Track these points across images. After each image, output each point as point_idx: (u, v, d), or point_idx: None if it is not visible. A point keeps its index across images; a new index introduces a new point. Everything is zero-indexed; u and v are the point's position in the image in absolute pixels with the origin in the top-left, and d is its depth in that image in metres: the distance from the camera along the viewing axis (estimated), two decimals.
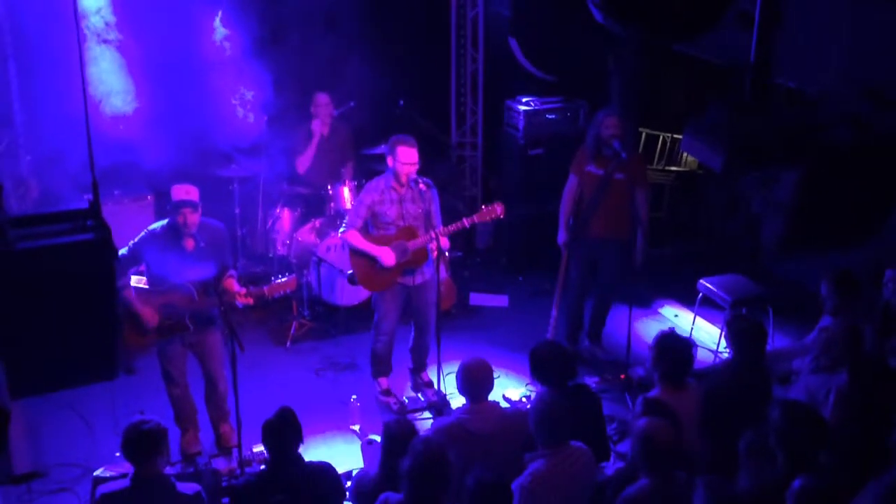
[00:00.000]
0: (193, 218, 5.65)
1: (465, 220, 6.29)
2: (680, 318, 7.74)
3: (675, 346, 4.88)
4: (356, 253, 6.29)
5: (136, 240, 5.69)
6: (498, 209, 6.30)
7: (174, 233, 5.68)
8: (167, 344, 5.80)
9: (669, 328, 5.15)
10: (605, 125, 6.67)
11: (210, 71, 7.35)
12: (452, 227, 6.21)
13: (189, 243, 5.68)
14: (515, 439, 4.69)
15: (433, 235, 6.15)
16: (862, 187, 7.20)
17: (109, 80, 6.86)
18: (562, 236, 6.90)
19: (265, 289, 5.85)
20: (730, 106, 6.20)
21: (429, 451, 4.04)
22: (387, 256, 6.19)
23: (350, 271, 6.46)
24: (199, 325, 5.75)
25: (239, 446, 5.48)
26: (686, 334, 7.13)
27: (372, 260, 6.23)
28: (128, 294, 5.58)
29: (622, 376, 6.75)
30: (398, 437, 4.48)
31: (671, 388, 4.84)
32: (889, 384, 4.66)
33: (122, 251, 5.61)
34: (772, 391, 5.10)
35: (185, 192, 5.64)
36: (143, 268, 5.73)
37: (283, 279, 5.94)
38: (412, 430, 4.57)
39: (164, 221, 5.78)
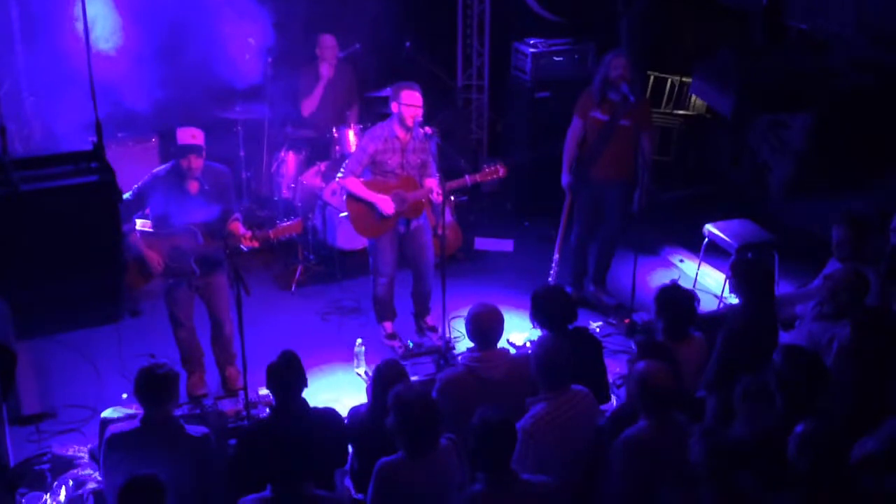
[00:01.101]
0: (198, 162, 5.64)
1: (466, 177, 6.29)
2: (685, 264, 7.72)
3: (677, 299, 4.88)
4: (353, 199, 6.28)
5: (140, 184, 5.68)
6: (500, 170, 6.28)
7: (178, 176, 5.66)
8: (174, 287, 5.81)
9: (672, 280, 5.13)
10: (614, 66, 6.59)
11: (213, 11, 7.23)
12: (454, 184, 6.21)
13: (193, 186, 5.67)
14: (524, 384, 4.71)
15: (431, 187, 6.13)
16: (871, 133, 7.13)
17: (107, 20, 6.77)
18: (566, 178, 6.87)
19: (270, 232, 5.85)
20: (741, 49, 6.11)
21: (410, 406, 4.04)
22: (386, 205, 6.18)
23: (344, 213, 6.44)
24: (205, 269, 5.76)
25: (245, 389, 5.52)
26: (691, 281, 7.18)
27: (369, 207, 6.22)
28: (133, 238, 5.59)
29: (626, 321, 6.77)
30: (386, 377, 4.51)
31: (674, 341, 4.85)
32: (892, 333, 4.66)
33: (126, 195, 5.60)
34: (777, 337, 5.10)
35: (190, 135, 5.61)
36: (147, 211, 5.73)
37: (288, 222, 5.93)
38: (401, 372, 4.60)
39: (169, 164, 5.76)
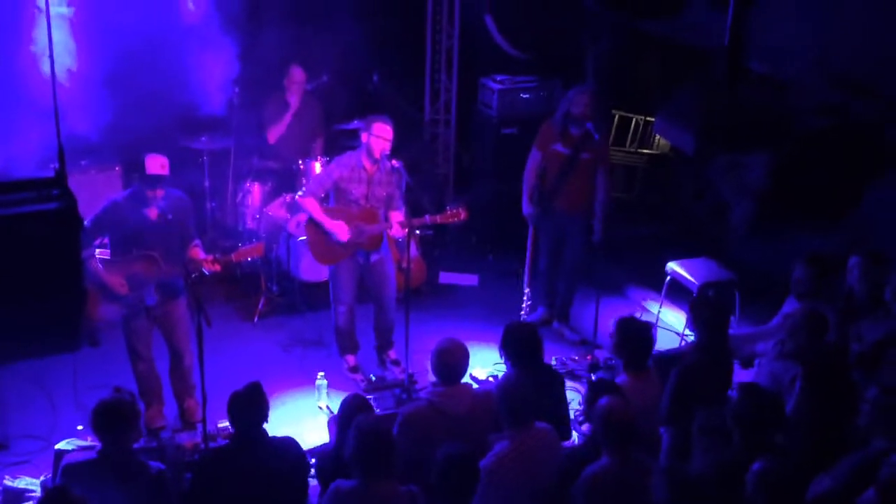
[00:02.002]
0: (162, 192, 5.60)
1: (427, 217, 6.33)
2: (650, 304, 7.77)
3: (636, 331, 4.91)
4: (312, 224, 6.27)
5: (99, 210, 5.62)
6: (462, 213, 6.30)
7: (138, 202, 5.61)
8: (132, 317, 5.73)
9: (629, 314, 5.16)
10: (576, 102, 6.70)
11: (180, 42, 7.23)
12: (415, 222, 6.23)
13: (153, 212, 5.62)
14: (486, 420, 4.70)
15: (392, 222, 6.17)
16: (831, 174, 7.26)
17: (69, 46, 6.74)
18: (526, 208, 6.93)
19: (232, 255, 5.82)
20: (703, 89, 6.21)
21: (366, 434, 4.03)
22: (341, 231, 6.18)
23: (303, 237, 6.44)
24: (164, 297, 5.70)
25: (203, 421, 5.44)
26: (653, 318, 7.23)
27: (326, 232, 6.21)
28: (94, 264, 5.51)
29: (588, 357, 6.79)
30: (351, 412, 4.48)
31: (634, 373, 4.87)
32: (848, 371, 4.73)
33: (85, 222, 5.55)
34: (733, 374, 5.14)
35: (160, 165, 5.57)
36: (106, 240, 5.66)
37: (249, 246, 5.92)
38: (366, 406, 4.57)
39: (128, 190, 5.72)
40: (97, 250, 5.65)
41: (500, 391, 4.49)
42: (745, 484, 3.73)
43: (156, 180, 5.54)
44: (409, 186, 6.53)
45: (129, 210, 5.59)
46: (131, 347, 5.85)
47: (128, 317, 5.72)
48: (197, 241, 5.83)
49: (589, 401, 4.53)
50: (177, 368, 5.99)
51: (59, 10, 6.70)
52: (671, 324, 7.35)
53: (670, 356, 5.63)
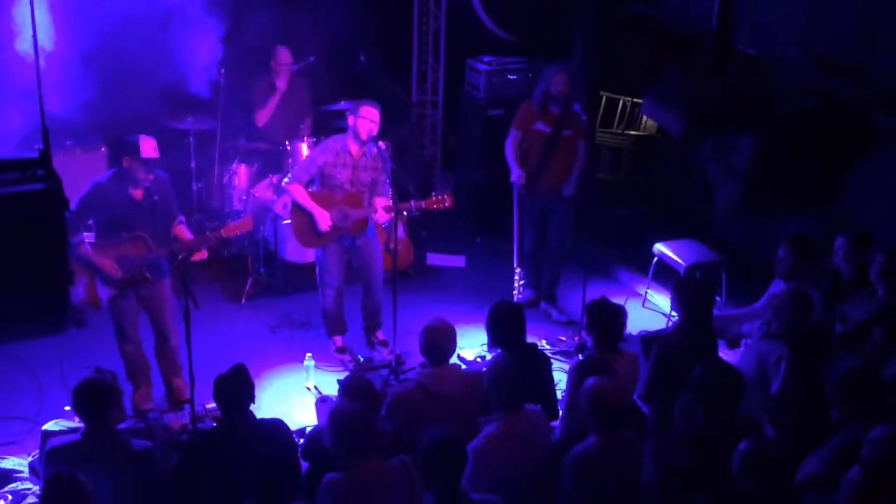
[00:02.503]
0: (153, 174, 5.58)
1: (412, 202, 6.33)
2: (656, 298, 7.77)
3: (606, 313, 4.92)
4: (297, 208, 6.26)
5: (83, 193, 5.57)
6: (447, 200, 6.32)
7: (122, 183, 5.58)
8: (119, 298, 5.71)
9: (602, 295, 5.18)
10: (555, 81, 6.73)
11: (165, 21, 7.17)
12: (401, 207, 6.23)
13: (138, 193, 5.59)
14: (474, 400, 4.72)
15: (377, 207, 6.18)
16: (816, 156, 7.30)
17: (45, 28, 6.66)
18: (516, 172, 6.92)
19: (221, 230, 5.82)
20: (690, 71, 6.22)
21: (340, 418, 4.03)
22: (323, 219, 6.18)
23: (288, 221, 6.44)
24: (152, 277, 5.68)
25: (192, 402, 5.44)
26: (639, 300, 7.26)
27: (311, 216, 6.21)
28: (84, 250, 5.48)
29: (576, 338, 6.82)
30: (356, 395, 4.47)
31: (604, 353, 4.89)
32: (833, 351, 4.77)
33: (71, 207, 5.51)
34: (716, 354, 5.18)
35: (153, 148, 5.54)
36: (90, 222, 5.63)
37: (238, 221, 5.93)
38: (367, 387, 4.57)
39: (110, 171, 5.68)
40: (84, 234, 5.63)
41: (489, 373, 4.50)
42: (726, 463, 3.77)
43: (152, 163, 5.52)
44: (394, 171, 6.53)
45: (114, 192, 5.55)
46: (119, 328, 5.84)
47: (114, 297, 5.70)
48: (181, 219, 5.82)
49: (575, 380, 4.55)
50: (163, 348, 5.98)
51: None
52: (658, 305, 7.39)
53: (656, 336, 5.68)
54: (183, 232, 5.73)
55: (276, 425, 4.59)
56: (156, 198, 5.63)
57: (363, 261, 6.49)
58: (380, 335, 6.72)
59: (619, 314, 4.93)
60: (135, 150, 5.50)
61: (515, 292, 7.30)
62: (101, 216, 5.57)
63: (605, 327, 4.91)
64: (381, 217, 6.30)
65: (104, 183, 5.59)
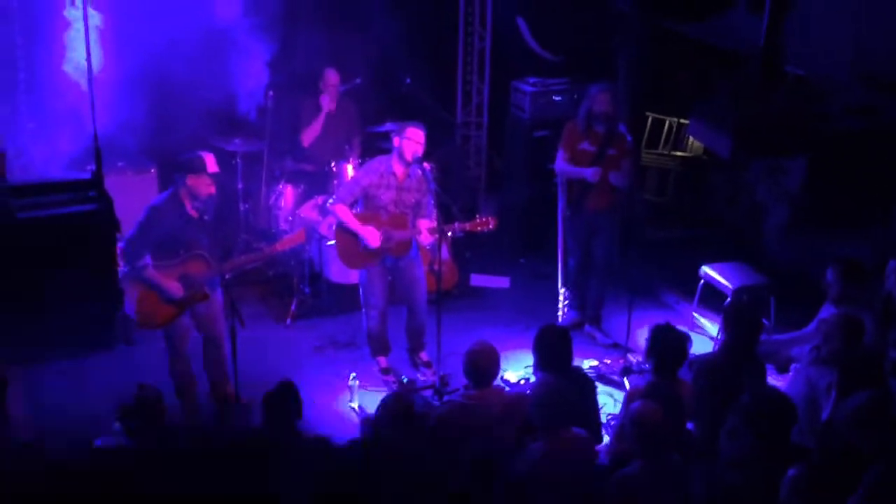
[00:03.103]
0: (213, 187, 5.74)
1: (456, 224, 6.36)
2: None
3: (669, 339, 4.86)
4: (341, 228, 6.29)
5: (142, 219, 5.64)
6: (491, 222, 6.34)
7: (177, 203, 5.67)
8: (177, 317, 5.78)
9: (666, 321, 5.13)
10: (598, 100, 6.71)
11: (214, 45, 7.30)
12: (446, 229, 6.23)
13: (193, 212, 5.69)
14: (517, 423, 4.69)
15: (421, 229, 6.21)
16: (868, 176, 7.17)
17: (96, 54, 6.82)
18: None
19: (276, 244, 5.93)
20: (738, 91, 6.16)
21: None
22: (372, 237, 6.20)
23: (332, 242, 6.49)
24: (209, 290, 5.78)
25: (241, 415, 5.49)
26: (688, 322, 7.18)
27: (355, 237, 6.23)
28: (149, 272, 5.56)
29: (621, 361, 6.75)
30: (393, 411, 4.46)
31: (663, 379, 4.83)
32: (883, 378, 4.66)
33: (130, 233, 5.65)
34: (764, 378, 5.09)
35: (214, 163, 5.68)
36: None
37: (291, 234, 6.04)
38: (408, 406, 4.55)
39: (165, 193, 5.77)
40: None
41: (534, 396, 4.48)
42: (774, 488, 3.70)
43: (216, 177, 5.65)
44: (437, 192, 6.56)
45: (170, 213, 5.64)
46: (172, 346, 5.90)
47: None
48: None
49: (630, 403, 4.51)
50: (217, 355, 6.01)
51: (93, 20, 6.79)
52: (706, 328, 7.29)
53: (703, 360, 5.60)
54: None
55: (320, 442, 4.59)
56: (206, 217, 5.73)
57: (406, 282, 6.50)
58: (423, 356, 6.72)
59: (683, 341, 4.88)
60: (201, 166, 5.60)
61: (560, 314, 7.26)
62: (159, 238, 5.64)
63: (666, 354, 4.85)
64: (426, 238, 6.31)
65: (160, 205, 5.68)
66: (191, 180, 5.61)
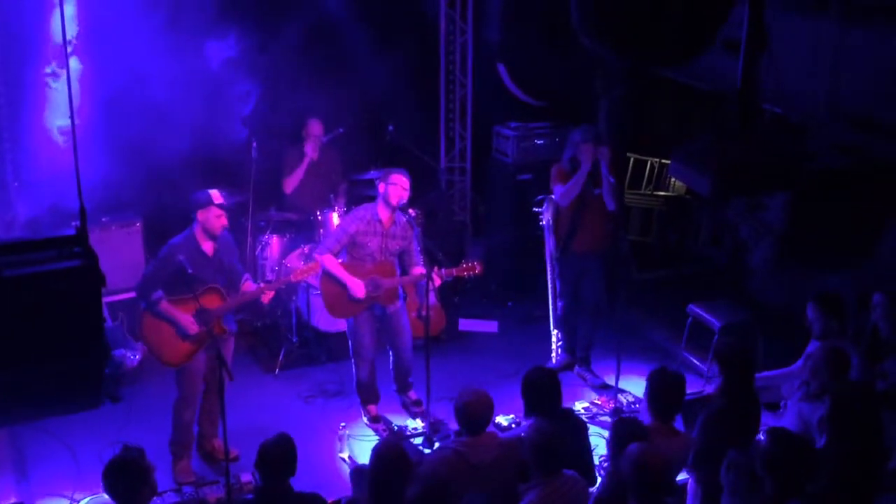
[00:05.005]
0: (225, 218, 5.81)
1: (443, 270, 6.41)
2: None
3: (668, 383, 4.83)
4: (327, 277, 6.29)
5: (161, 255, 5.73)
6: (477, 267, 6.42)
7: (193, 242, 5.74)
8: (191, 360, 5.77)
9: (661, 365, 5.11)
10: (583, 151, 6.75)
11: (197, 95, 7.33)
12: (434, 274, 6.26)
13: (209, 248, 5.76)
14: (512, 468, 4.66)
15: (420, 273, 6.25)
16: (850, 212, 7.23)
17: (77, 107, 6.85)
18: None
19: (290, 275, 6.03)
20: (717, 131, 6.23)
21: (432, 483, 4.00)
22: (357, 288, 6.21)
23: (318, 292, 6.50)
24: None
25: (227, 475, 5.41)
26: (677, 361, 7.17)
27: (342, 287, 6.24)
28: (163, 306, 5.61)
29: (611, 402, 6.73)
30: (386, 460, 4.41)
31: (663, 424, 4.79)
32: (875, 409, 4.65)
33: (147, 270, 5.78)
34: (760, 417, 5.07)
35: (219, 195, 5.77)
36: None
37: (305, 265, 6.20)
38: (402, 454, 4.51)
39: (184, 233, 5.82)
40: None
41: (528, 440, 4.45)
42: None
43: (224, 207, 5.75)
44: (420, 237, 6.59)
45: (187, 250, 5.69)
46: (184, 394, 5.86)
47: (188, 361, 5.76)
48: (247, 276, 6.00)
49: (616, 443, 4.46)
50: (210, 406, 5.99)
51: (75, 76, 6.84)
52: (694, 365, 7.29)
53: (694, 401, 5.58)
54: (249, 287, 5.90)
55: (314, 499, 4.53)
56: (221, 256, 5.83)
57: (393, 329, 6.52)
58: (412, 395, 6.70)
59: (680, 383, 4.81)
60: (206, 199, 5.70)
61: (553, 355, 7.26)
62: (172, 275, 5.65)
63: (666, 398, 4.80)
64: (437, 280, 6.34)
65: (179, 243, 5.74)
66: (201, 215, 5.70)
